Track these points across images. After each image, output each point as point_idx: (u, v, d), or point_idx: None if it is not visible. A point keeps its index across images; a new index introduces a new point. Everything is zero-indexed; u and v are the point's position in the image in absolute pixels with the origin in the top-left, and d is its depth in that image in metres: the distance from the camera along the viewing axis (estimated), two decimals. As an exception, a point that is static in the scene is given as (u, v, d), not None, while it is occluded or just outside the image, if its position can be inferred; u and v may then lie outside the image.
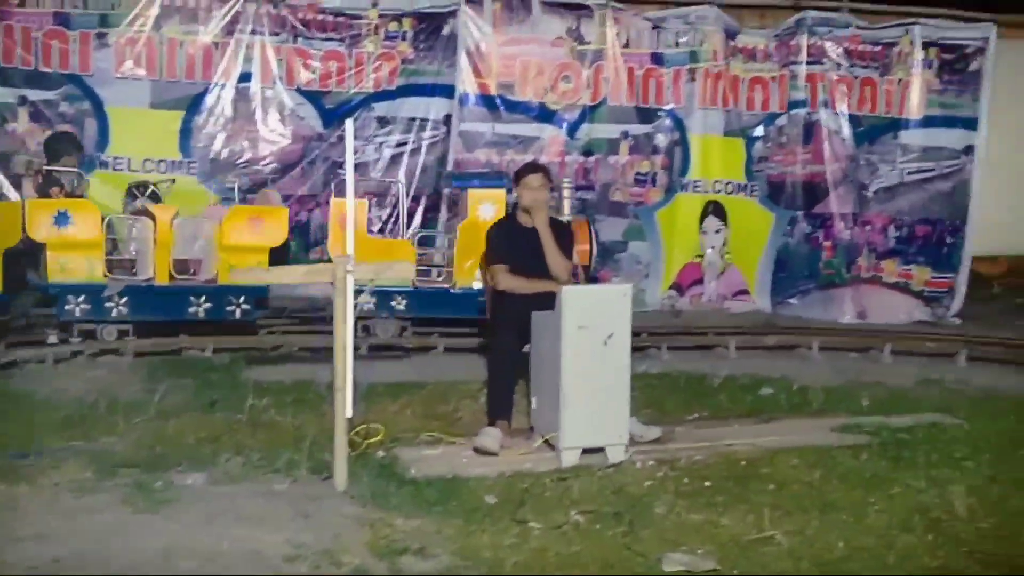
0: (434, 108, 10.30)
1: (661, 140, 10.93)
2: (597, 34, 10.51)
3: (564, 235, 6.35)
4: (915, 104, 11.07)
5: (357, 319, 7.55)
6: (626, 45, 10.68)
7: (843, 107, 11.05)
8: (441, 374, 7.42)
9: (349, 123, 5.01)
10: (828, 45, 10.98)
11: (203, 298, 8.11)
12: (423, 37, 10.22)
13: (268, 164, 9.98)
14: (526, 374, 5.84)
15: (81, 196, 8.58)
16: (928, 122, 11.16)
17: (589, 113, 10.68)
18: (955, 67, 11.10)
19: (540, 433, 5.53)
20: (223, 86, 9.80)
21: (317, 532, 4.22)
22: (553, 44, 10.50)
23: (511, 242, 6.22)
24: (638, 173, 10.94)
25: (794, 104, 11.06)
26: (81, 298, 7.82)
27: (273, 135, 10.00)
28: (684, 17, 10.73)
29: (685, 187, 10.92)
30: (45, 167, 8.96)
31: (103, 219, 7.97)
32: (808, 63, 10.97)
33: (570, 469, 5.17)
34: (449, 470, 5.08)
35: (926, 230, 11.23)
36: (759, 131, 11.12)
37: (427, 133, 10.30)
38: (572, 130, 10.67)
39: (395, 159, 10.25)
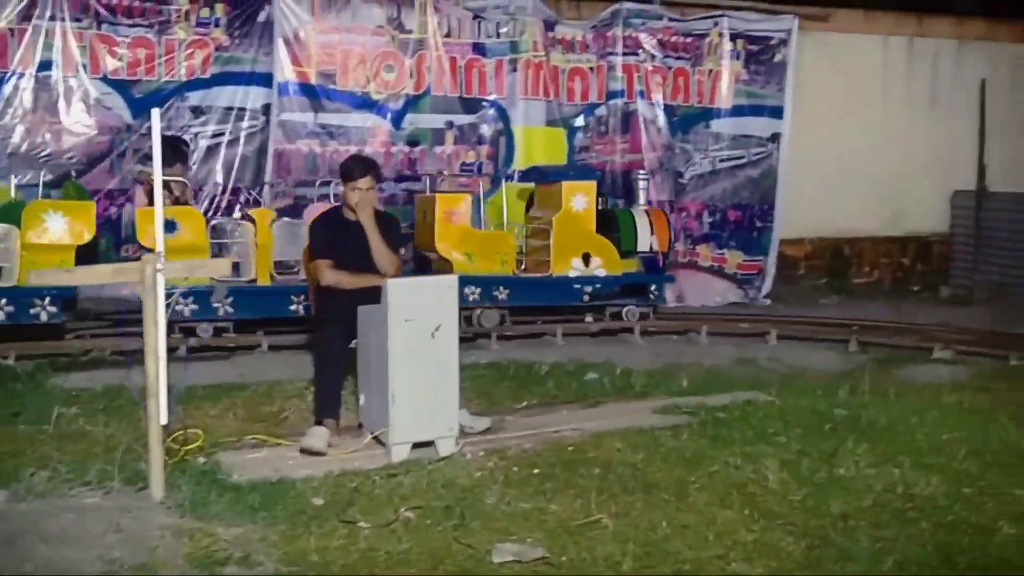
0: (252, 97, 9.99)
1: (486, 130, 10.98)
2: (418, 23, 10.45)
3: (390, 228, 6.26)
4: (725, 94, 11.56)
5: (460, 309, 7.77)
6: (448, 35, 10.65)
7: (658, 97, 11.41)
8: (265, 374, 7.21)
9: (155, 112, 4.75)
10: (643, 36, 11.29)
11: (3, 300, 7.60)
12: (238, 24, 9.88)
13: (72, 157, 9.43)
14: (354, 370, 5.74)
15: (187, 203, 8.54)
16: (737, 111, 11.67)
17: (413, 103, 10.61)
18: (761, 58, 11.65)
19: (369, 430, 5.45)
20: (21, 75, 9.19)
21: (132, 547, 4.01)
22: (374, 33, 10.37)
23: (335, 236, 6.09)
24: (464, 163, 10.94)
25: (612, 94, 11.33)
26: None
27: (77, 126, 9.46)
28: (503, 7, 10.79)
29: (510, 177, 11.00)
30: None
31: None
32: (624, 54, 11.26)
33: (400, 465, 5.12)
34: (274, 473, 4.93)
35: (737, 215, 11.75)
36: (580, 121, 11.33)
37: (245, 123, 9.98)
38: (396, 120, 10.58)
39: (212, 150, 9.89)
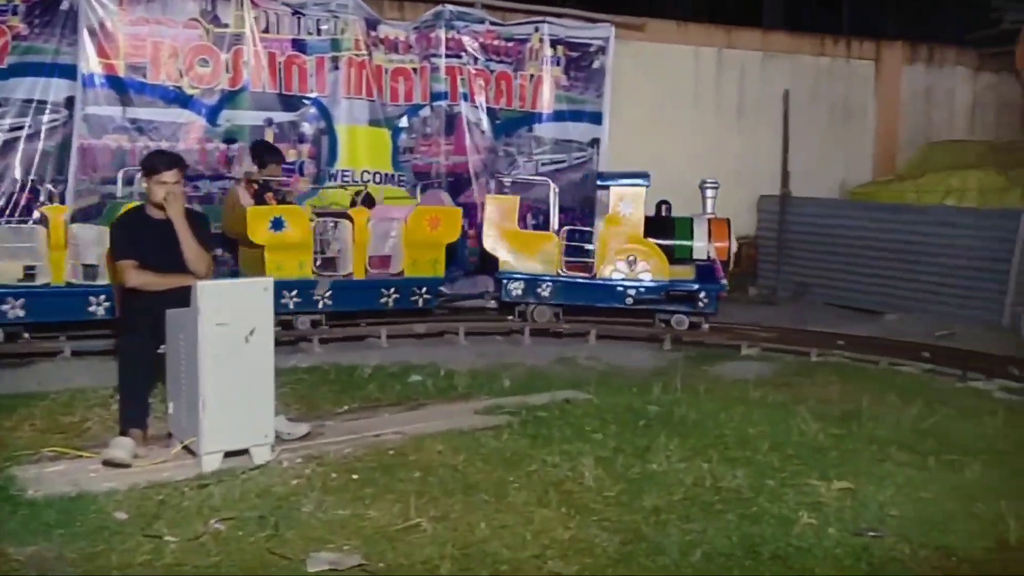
0: (54, 90, 9.37)
1: (307, 129, 10.72)
2: (234, 17, 10.09)
3: (201, 226, 6.02)
4: (547, 99, 11.73)
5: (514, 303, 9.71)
6: (266, 30, 10.35)
7: (482, 100, 11.46)
8: (67, 381, 6.80)
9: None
10: (465, 39, 11.32)
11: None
12: (38, 12, 9.24)
13: None
14: (162, 377, 5.48)
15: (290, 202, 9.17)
16: (559, 116, 11.85)
17: (229, 99, 10.24)
18: (580, 65, 11.88)
19: (179, 439, 5.22)
20: None
21: (-92, 574, 3.69)
22: (186, 25, 9.93)
23: (140, 236, 5.80)
24: (285, 162, 10.65)
25: (436, 96, 11.29)
26: None
27: None
28: (324, 4, 10.58)
29: (334, 177, 10.80)
30: (260, 177, 9.14)
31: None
32: (447, 56, 11.25)
33: (211, 475, 4.93)
34: (73, 487, 4.64)
35: (561, 217, 11.92)
36: (404, 122, 11.26)
37: (46, 117, 9.34)
38: (212, 116, 10.18)
39: (10, 144, 9.23)
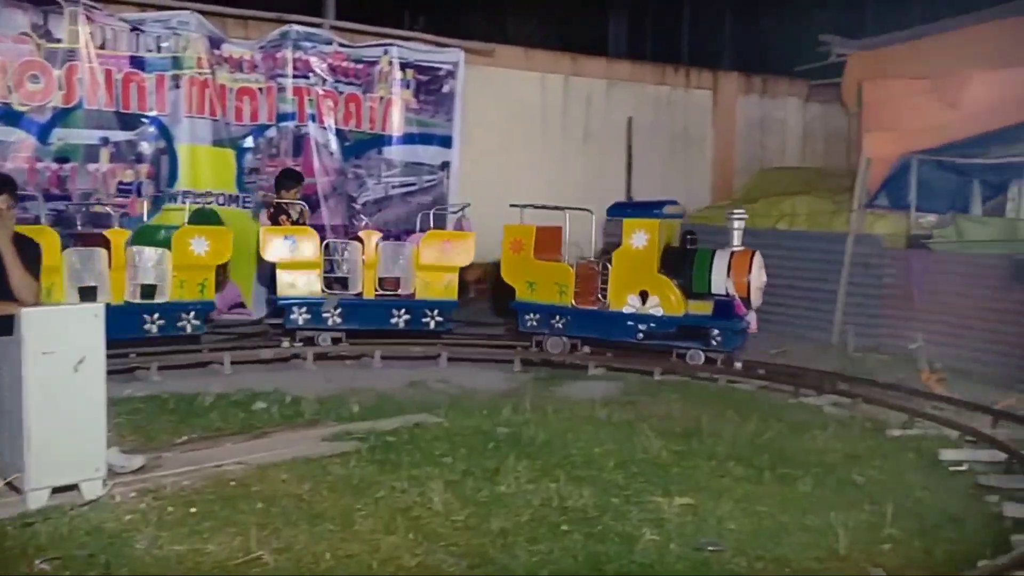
0: None
1: (146, 148, 10.38)
2: (68, 32, 9.69)
3: (29, 251, 5.71)
4: (396, 122, 11.73)
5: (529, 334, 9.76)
6: (102, 46, 9.97)
7: (330, 121, 11.36)
8: None
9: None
10: (313, 60, 11.20)
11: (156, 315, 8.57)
12: None
13: None
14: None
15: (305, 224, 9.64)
16: (409, 139, 11.87)
17: (62, 116, 9.81)
18: (430, 88, 11.93)
19: (2, 475, 4.90)
20: None
21: None
22: (16, 40, 9.48)
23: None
24: (121, 182, 10.27)
25: (283, 116, 11.13)
26: None
27: None
28: (165, 21, 10.28)
29: (174, 198, 10.45)
30: (276, 200, 9.73)
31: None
32: (295, 76, 11.11)
33: (37, 512, 4.65)
34: None
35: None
36: (249, 142, 11.02)
37: None
38: (43, 134, 9.73)
39: None
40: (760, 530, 4.90)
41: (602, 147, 14.24)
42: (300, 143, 11.26)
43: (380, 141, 11.72)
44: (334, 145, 11.41)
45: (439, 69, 11.97)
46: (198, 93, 10.55)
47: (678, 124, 15.16)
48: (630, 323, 9.40)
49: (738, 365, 9.19)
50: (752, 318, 9.14)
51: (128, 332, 8.40)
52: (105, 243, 8.55)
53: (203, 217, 9.74)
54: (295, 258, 9.27)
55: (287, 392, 7.53)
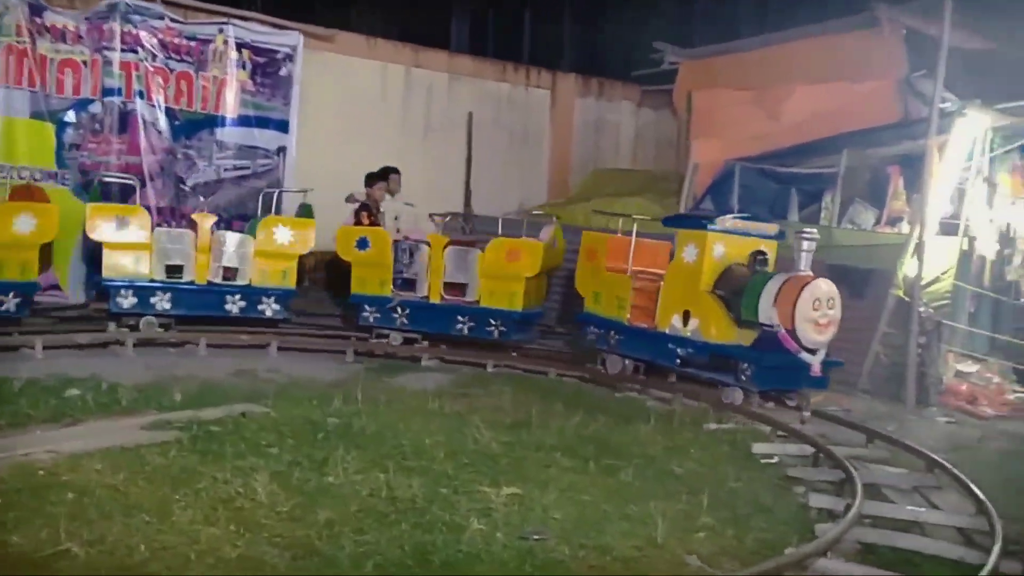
0: None
1: (-43, 120, 9.70)
2: None
3: None
4: (231, 103, 11.35)
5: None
6: (-93, 5, 9.24)
7: (159, 99, 10.90)
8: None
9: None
10: (143, 34, 10.72)
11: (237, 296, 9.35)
12: None
13: None
14: None
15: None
16: (244, 121, 11.51)
17: None
18: (268, 71, 11.62)
19: None
20: None
21: None
22: None
23: None
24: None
25: (108, 91, 10.60)
26: None
27: None
28: (-18, -14, 9.63)
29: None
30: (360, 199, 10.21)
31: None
32: (122, 50, 10.60)
33: None
34: None
35: (243, 225, 11.53)
36: (71, 116, 10.45)
37: None
38: None
39: None
40: (583, 519, 5.02)
41: (442, 141, 14.24)
42: (126, 120, 10.75)
43: (213, 122, 11.32)
44: (163, 123, 10.95)
45: (277, 52, 11.67)
46: (16, 62, 9.95)
47: (517, 122, 15.34)
48: (670, 345, 8.53)
49: (805, 415, 7.74)
50: (814, 358, 7.78)
51: (441, 328, 9.46)
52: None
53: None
54: (123, 240, 8.94)
55: (104, 379, 7.19)
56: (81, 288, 10.48)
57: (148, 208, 10.54)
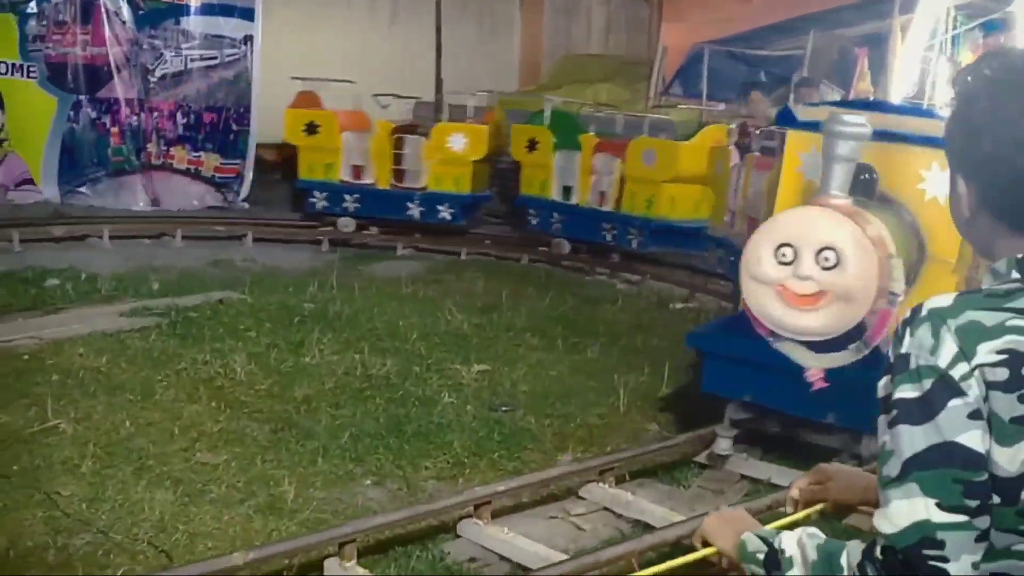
0: None
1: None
2: None
3: None
4: (192, -10, 11.15)
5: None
6: None
7: (120, -12, 10.70)
8: None
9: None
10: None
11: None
12: None
13: None
14: None
15: None
16: (208, 10, 11.30)
17: None
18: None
19: None
20: None
21: None
22: None
23: None
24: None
25: (68, -20, 10.40)
26: None
27: None
28: None
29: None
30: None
31: None
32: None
33: None
34: None
35: (213, 117, 11.50)
36: (32, 7, 10.27)
37: None
38: None
39: None
40: (550, 392, 5.27)
41: (410, 30, 14.03)
42: (89, 10, 10.54)
43: (177, 11, 11.12)
44: (126, 13, 10.74)
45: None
46: (-29, -49, 9.72)
47: (486, 7, 15.12)
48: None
49: None
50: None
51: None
52: None
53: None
54: (315, 143, 9.46)
55: (82, 269, 7.31)
56: (54, 183, 10.50)
57: (116, 100, 10.52)
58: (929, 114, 4.72)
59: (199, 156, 11.46)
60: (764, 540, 1.31)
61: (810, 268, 3.93)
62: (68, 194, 10.58)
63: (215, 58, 11.45)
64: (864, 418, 3.30)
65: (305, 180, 9.72)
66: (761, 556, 1.30)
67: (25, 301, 6.41)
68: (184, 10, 11.14)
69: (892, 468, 1.15)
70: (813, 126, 4.51)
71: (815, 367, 4.16)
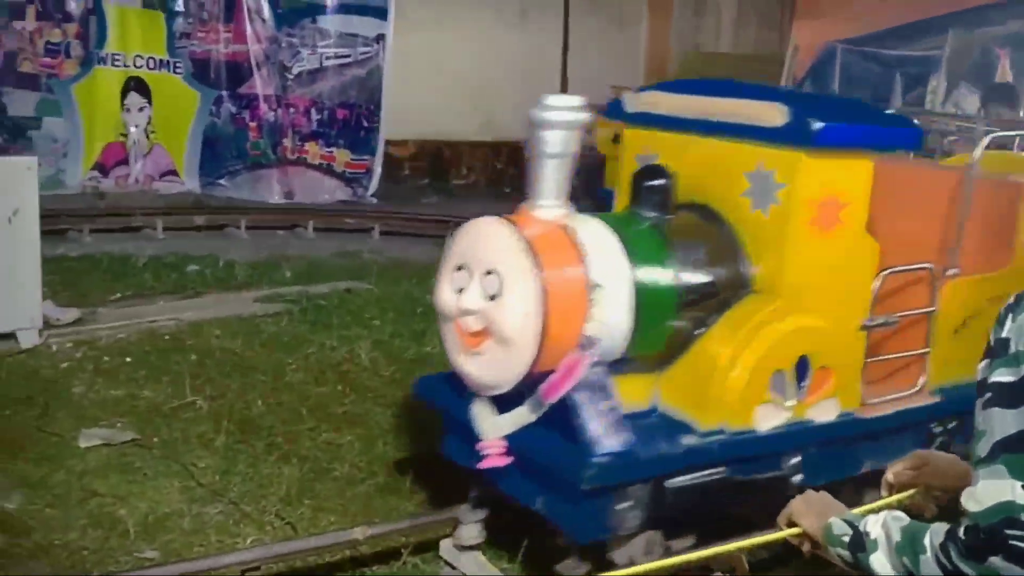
0: None
1: (73, 7, 10.10)
2: None
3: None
4: (327, -11, 11.51)
5: None
6: None
7: (262, -13, 11.13)
8: None
9: None
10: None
11: None
12: None
13: None
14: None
15: None
16: (344, 9, 11.64)
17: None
18: (363, -42, 11.67)
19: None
20: None
21: None
22: None
23: None
24: (49, 43, 10.04)
25: (213, -21, 10.88)
26: None
27: None
28: None
29: (103, 60, 10.27)
30: None
31: None
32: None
33: (-26, 359, 4.79)
34: None
35: (345, 114, 11.85)
36: (179, 5, 10.78)
37: None
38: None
39: None
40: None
41: (539, 27, 14.11)
42: (232, 8, 11.01)
43: (314, 10, 11.49)
44: (266, 12, 11.17)
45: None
46: (125, -48, 10.26)
47: (614, 4, 15.07)
48: None
49: None
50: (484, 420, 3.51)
51: None
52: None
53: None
54: None
55: (220, 257, 7.66)
56: (195, 175, 11.00)
57: (256, 97, 10.94)
58: (771, 94, 3.47)
59: (331, 152, 11.82)
60: (849, 524, 1.34)
61: (474, 298, 2.96)
62: (208, 186, 11.06)
63: (349, 56, 11.78)
64: (558, 502, 2.84)
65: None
66: (847, 539, 1.33)
67: (168, 285, 6.77)
68: (321, 9, 11.50)
69: (982, 449, 1.17)
70: (652, 120, 3.60)
71: (491, 435, 3.04)
